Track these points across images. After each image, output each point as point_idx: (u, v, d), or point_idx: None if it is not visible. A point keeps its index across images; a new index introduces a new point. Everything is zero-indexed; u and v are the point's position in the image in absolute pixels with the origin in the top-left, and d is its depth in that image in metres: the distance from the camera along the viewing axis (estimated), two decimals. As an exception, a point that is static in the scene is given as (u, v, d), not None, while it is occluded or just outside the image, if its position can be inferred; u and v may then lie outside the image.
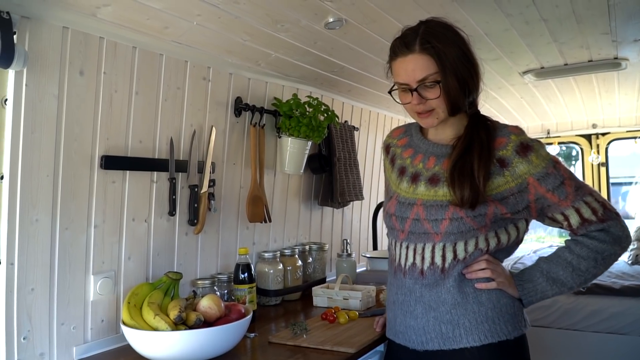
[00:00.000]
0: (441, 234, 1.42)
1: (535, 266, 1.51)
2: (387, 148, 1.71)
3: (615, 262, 4.13)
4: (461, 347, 1.42)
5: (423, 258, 1.46)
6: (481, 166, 1.39)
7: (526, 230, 1.53)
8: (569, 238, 1.49)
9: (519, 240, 1.53)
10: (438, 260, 1.44)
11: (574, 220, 1.42)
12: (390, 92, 1.51)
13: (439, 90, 1.40)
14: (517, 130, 1.44)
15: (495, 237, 1.45)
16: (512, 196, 1.40)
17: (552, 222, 1.47)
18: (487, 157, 1.40)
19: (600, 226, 1.42)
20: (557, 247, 1.51)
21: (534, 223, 1.54)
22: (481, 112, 1.53)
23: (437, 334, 1.44)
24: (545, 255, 1.52)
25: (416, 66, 1.40)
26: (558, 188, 1.40)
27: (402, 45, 1.42)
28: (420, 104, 1.42)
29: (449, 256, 1.43)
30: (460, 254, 1.43)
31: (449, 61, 1.39)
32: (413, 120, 1.66)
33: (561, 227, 1.46)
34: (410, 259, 1.48)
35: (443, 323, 1.44)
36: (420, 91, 1.41)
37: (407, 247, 1.50)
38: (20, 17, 1.41)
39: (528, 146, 1.40)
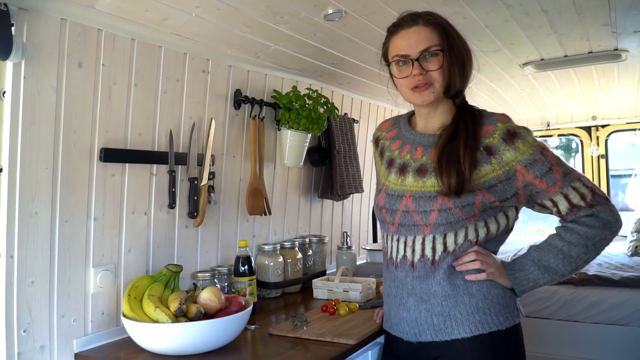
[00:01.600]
0: (430, 226, 1.42)
1: (526, 255, 1.51)
2: (376, 141, 1.71)
3: (615, 254, 4.14)
4: (453, 339, 1.43)
5: (413, 250, 1.46)
6: (467, 152, 1.39)
7: (516, 218, 1.53)
8: (559, 225, 1.48)
9: (508, 229, 1.53)
10: (428, 252, 1.44)
11: (563, 206, 1.42)
12: (388, 65, 1.52)
13: (441, 61, 1.42)
14: (504, 118, 1.44)
15: (484, 227, 1.45)
16: (499, 184, 1.40)
17: (542, 208, 1.47)
18: (473, 144, 1.40)
19: (589, 211, 1.41)
20: (548, 235, 1.51)
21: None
22: (476, 105, 1.54)
23: (429, 325, 1.45)
24: (537, 244, 1.52)
25: (420, 37, 1.43)
26: (546, 174, 1.39)
27: (407, 18, 1.46)
28: (420, 74, 1.43)
29: (439, 248, 1.43)
30: (450, 246, 1.43)
31: (451, 36, 1.45)
32: (404, 112, 1.67)
33: (551, 214, 1.47)
34: (401, 252, 1.49)
35: (435, 315, 1.44)
36: (422, 62, 1.43)
37: (398, 240, 1.50)
38: (18, 9, 1.40)
39: (515, 133, 1.40)
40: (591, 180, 1.47)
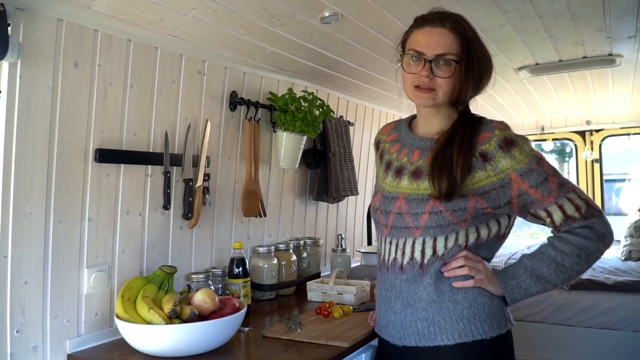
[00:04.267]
0: (421, 228, 1.42)
1: (518, 263, 1.48)
2: (377, 144, 1.72)
3: (609, 259, 4.13)
4: (436, 345, 1.41)
5: (403, 253, 1.46)
6: (460, 158, 1.38)
7: (509, 226, 1.50)
8: (551, 235, 1.47)
9: (500, 236, 1.50)
10: (417, 255, 1.44)
11: (557, 217, 1.40)
12: (402, 56, 1.49)
13: (452, 71, 1.41)
14: (502, 126, 1.43)
15: (475, 232, 1.43)
16: (493, 191, 1.39)
17: (535, 218, 1.44)
18: (467, 150, 1.39)
19: (583, 223, 1.39)
20: (540, 244, 1.50)
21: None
22: (473, 110, 1.53)
23: (413, 330, 1.44)
24: (530, 253, 1.50)
25: (441, 40, 1.41)
26: (541, 184, 1.38)
27: (435, 17, 1.43)
28: (427, 76, 1.41)
29: (428, 252, 1.43)
30: (440, 250, 1.42)
31: (474, 50, 1.43)
32: (405, 116, 1.67)
33: (543, 224, 1.44)
34: (393, 254, 1.49)
35: (419, 320, 1.44)
36: (433, 66, 1.41)
37: (390, 242, 1.50)
38: (14, 9, 1.40)
39: (512, 141, 1.39)
40: (586, 187, 1.48)
